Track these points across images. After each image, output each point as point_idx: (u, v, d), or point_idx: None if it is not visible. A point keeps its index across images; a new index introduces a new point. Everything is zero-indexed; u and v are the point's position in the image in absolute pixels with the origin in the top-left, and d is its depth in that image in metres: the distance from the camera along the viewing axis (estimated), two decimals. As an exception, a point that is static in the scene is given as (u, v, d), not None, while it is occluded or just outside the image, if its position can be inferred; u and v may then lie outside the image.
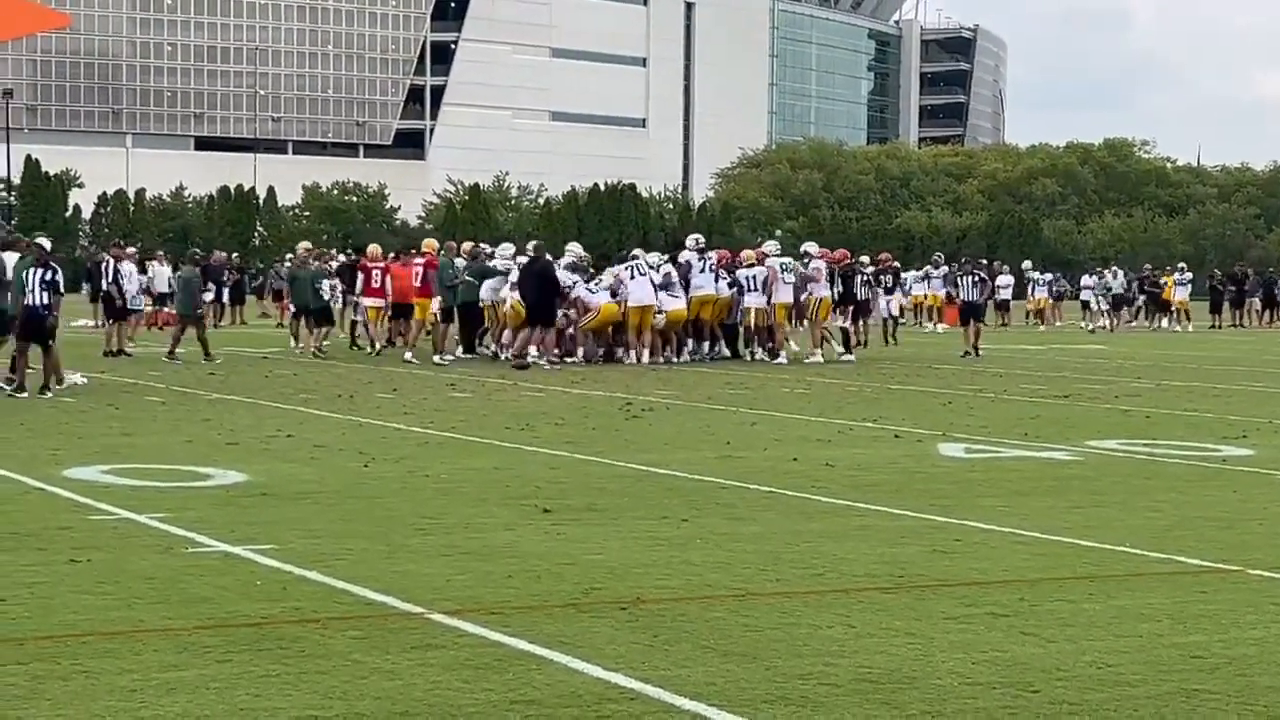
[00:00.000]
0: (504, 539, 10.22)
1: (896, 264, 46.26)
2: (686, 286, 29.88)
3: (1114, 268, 60.84)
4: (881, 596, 8.59)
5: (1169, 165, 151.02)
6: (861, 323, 34.39)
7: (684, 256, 30.82)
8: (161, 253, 50.65)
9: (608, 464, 14.34)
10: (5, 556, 9.38)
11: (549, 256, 30.18)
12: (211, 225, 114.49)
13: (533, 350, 28.25)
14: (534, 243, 31.80)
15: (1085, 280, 57.58)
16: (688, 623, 7.86)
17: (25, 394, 20.51)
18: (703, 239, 31.32)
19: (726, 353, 31.15)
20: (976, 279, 33.59)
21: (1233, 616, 8.27)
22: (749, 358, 30.91)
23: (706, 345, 30.79)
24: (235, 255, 62.07)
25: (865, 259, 38.93)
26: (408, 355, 29.29)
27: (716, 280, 30.18)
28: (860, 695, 6.59)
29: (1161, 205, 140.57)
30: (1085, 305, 56.23)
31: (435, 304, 29.39)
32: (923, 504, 12.01)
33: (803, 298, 30.22)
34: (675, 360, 29.68)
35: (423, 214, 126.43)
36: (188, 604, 8.12)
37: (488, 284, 30.13)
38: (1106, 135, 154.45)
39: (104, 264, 33.26)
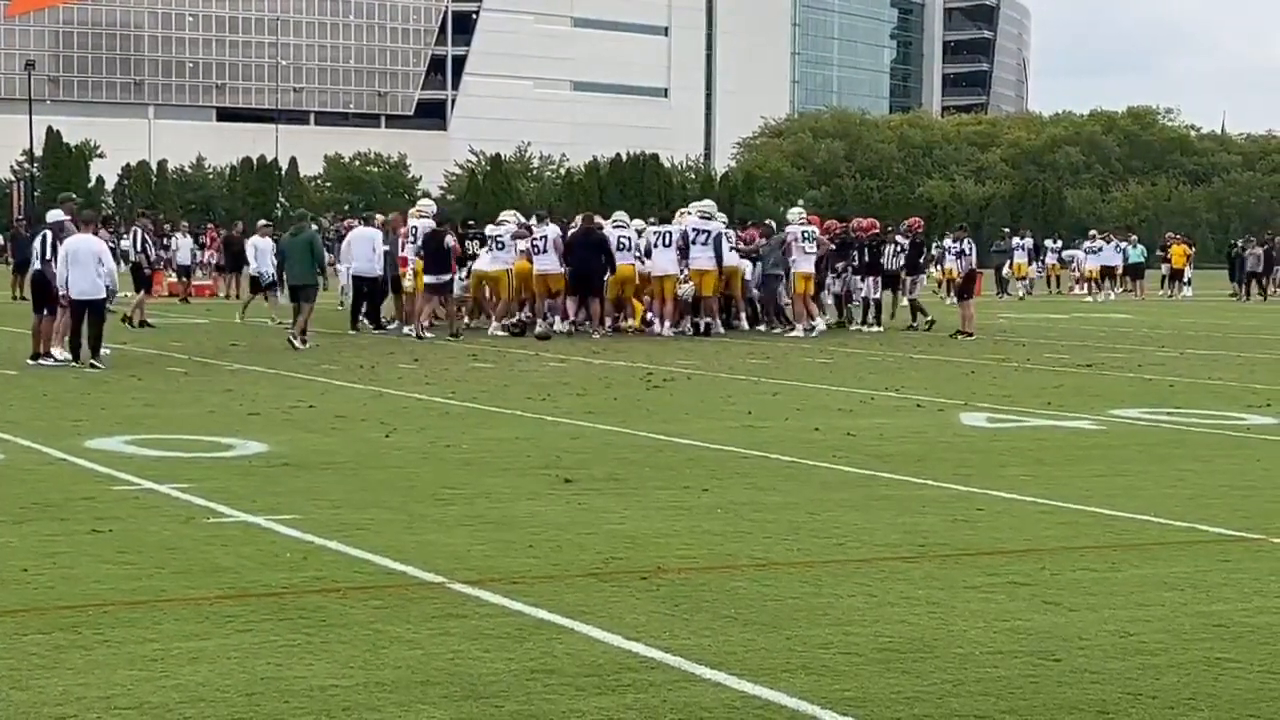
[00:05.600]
0: (525, 509, 10.23)
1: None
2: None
3: (1133, 236, 60.50)
4: (903, 566, 8.58)
5: (1193, 133, 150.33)
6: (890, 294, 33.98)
7: (715, 226, 30.20)
8: (186, 224, 50.78)
9: (629, 434, 14.34)
10: (28, 526, 9.42)
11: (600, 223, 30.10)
12: (233, 196, 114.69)
13: (557, 321, 28.36)
14: (584, 214, 31.68)
15: (1105, 248, 57.03)
16: (708, 592, 7.86)
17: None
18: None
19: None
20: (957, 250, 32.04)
21: (1256, 585, 8.24)
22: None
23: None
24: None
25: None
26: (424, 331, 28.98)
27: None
28: (881, 664, 6.59)
29: (1186, 174, 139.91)
30: (1108, 273, 55.94)
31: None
32: (945, 473, 11.99)
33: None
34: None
35: (444, 184, 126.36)
36: (209, 574, 8.14)
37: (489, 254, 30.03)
38: (1130, 102, 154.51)
39: (134, 234, 33.23)
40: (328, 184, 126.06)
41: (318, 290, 26.25)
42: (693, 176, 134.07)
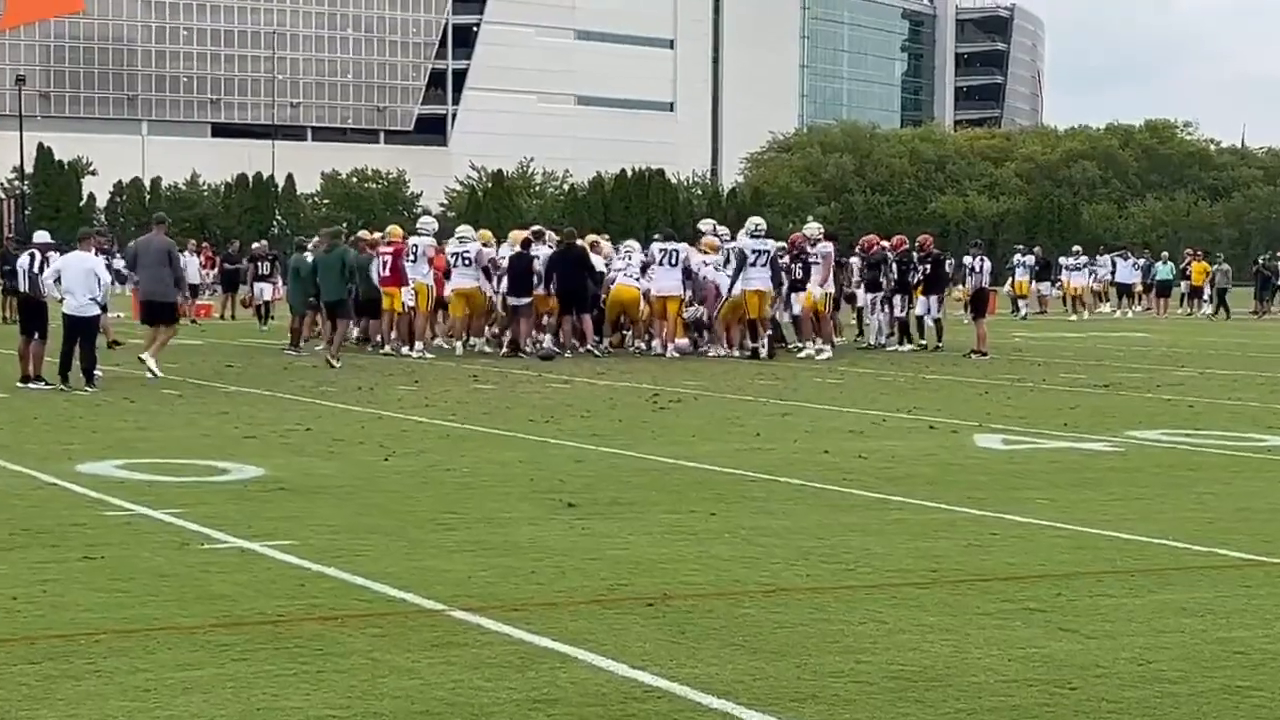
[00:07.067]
0: (527, 534, 10.22)
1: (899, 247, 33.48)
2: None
3: (1164, 254, 60.40)
4: (915, 592, 8.57)
5: (1212, 147, 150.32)
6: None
7: (771, 245, 29.68)
8: (193, 243, 50.85)
9: (634, 456, 14.34)
10: (18, 553, 9.42)
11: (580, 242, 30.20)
12: (229, 214, 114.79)
13: (546, 340, 28.45)
14: (567, 229, 31.82)
15: (1120, 265, 56.95)
16: (716, 619, 7.85)
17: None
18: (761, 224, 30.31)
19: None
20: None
21: (1278, 611, 8.23)
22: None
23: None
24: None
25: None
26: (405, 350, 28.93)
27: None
28: (893, 693, 6.58)
29: (1205, 188, 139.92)
30: (1125, 291, 55.91)
31: (406, 294, 29.09)
32: (958, 497, 11.98)
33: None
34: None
35: (445, 201, 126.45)
36: (203, 601, 8.14)
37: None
38: (1147, 113, 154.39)
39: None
40: (325, 201, 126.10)
41: (351, 306, 26.85)
42: (699, 192, 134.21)
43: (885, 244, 33.05)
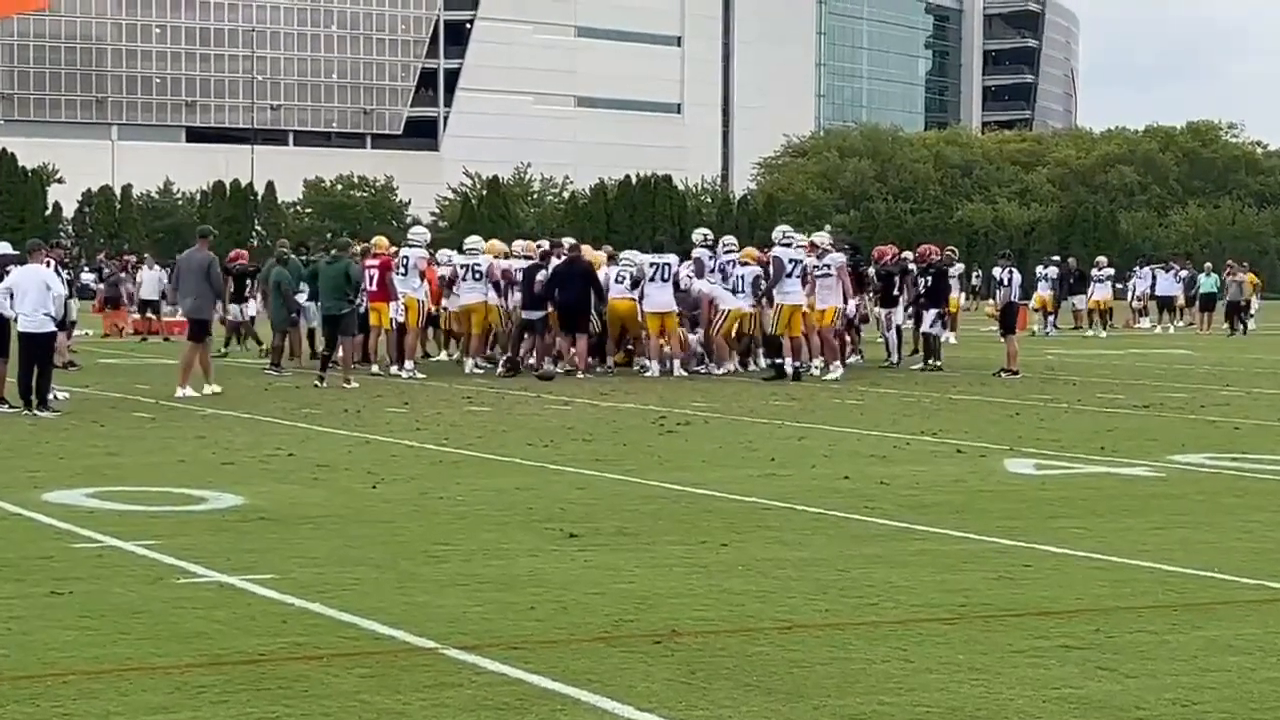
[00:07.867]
0: (526, 567, 10.23)
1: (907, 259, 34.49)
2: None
3: (1207, 265, 60.24)
4: (942, 628, 8.58)
5: (1259, 150, 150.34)
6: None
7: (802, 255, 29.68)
8: (148, 255, 50.83)
9: (640, 483, 14.35)
10: (-20, 588, 9.44)
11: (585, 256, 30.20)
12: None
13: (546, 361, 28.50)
14: (570, 240, 31.84)
15: (1161, 277, 56.88)
16: (728, 658, 7.86)
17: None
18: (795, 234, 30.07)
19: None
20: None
21: (1332, 648, 8.23)
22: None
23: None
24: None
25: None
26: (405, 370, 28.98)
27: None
28: (919, 737, 6.59)
29: (1251, 194, 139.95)
30: (1166, 305, 55.86)
31: (395, 310, 29.05)
32: (988, 526, 11.98)
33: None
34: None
35: (436, 209, 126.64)
36: (179, 640, 8.15)
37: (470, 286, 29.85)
38: (1190, 115, 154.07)
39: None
40: (308, 210, 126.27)
41: (354, 322, 26.96)
42: (709, 200, 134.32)
43: (908, 254, 33.22)
